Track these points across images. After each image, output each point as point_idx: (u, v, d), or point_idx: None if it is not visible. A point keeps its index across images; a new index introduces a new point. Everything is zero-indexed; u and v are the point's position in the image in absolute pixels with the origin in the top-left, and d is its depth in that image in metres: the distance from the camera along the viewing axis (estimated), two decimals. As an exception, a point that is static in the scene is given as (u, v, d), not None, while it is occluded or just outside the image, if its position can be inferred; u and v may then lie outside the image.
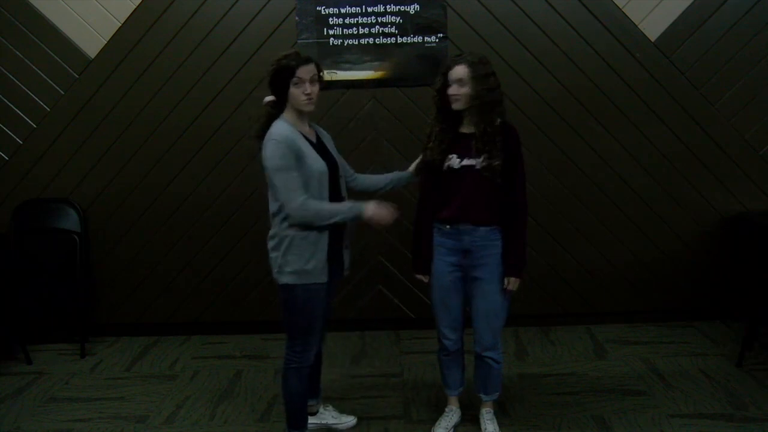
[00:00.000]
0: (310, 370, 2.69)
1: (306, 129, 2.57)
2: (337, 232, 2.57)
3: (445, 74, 2.58)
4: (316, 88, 2.49)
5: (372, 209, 2.47)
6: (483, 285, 2.66)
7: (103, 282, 3.99)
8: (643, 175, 3.86)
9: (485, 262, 2.64)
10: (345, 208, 2.51)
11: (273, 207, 2.53)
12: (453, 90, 2.55)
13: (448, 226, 2.66)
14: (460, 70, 2.53)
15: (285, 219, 2.48)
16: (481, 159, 2.56)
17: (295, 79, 2.44)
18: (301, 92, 2.45)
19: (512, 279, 2.65)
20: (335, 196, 2.57)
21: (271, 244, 2.56)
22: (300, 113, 2.52)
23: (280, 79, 2.46)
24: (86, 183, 3.90)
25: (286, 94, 2.48)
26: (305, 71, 2.44)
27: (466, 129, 2.63)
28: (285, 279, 2.52)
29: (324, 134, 2.70)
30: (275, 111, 2.54)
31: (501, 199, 2.61)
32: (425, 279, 2.78)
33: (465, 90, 2.53)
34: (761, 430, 2.81)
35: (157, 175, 3.89)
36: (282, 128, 2.47)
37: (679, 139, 3.82)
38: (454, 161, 2.60)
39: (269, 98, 2.57)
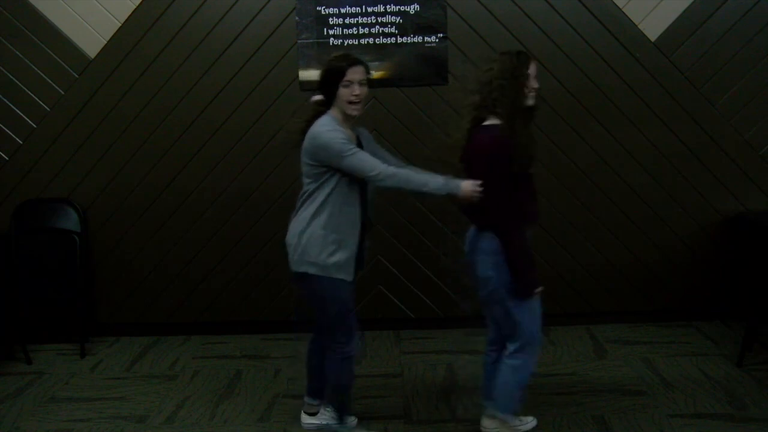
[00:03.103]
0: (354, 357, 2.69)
1: (349, 132, 2.57)
2: (360, 230, 2.59)
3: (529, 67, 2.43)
4: (364, 90, 2.52)
5: (467, 187, 2.42)
6: None
7: (103, 282, 3.99)
8: (643, 175, 3.86)
9: None
10: (439, 181, 2.46)
11: (303, 196, 2.55)
12: (536, 84, 2.46)
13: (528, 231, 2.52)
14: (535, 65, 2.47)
15: (314, 216, 2.49)
16: None
17: (345, 82, 2.47)
18: (350, 93, 2.48)
19: None
20: (361, 202, 2.58)
21: (295, 230, 2.55)
22: (345, 116, 2.54)
23: (330, 81, 2.49)
24: (86, 183, 3.90)
25: (334, 95, 2.51)
26: (355, 72, 2.48)
27: None
28: (304, 268, 2.53)
29: (366, 138, 2.70)
30: (322, 109, 2.57)
31: None
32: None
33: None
34: (761, 430, 2.81)
35: (157, 175, 3.89)
36: (330, 121, 2.50)
37: (679, 139, 3.82)
38: None
39: (317, 97, 2.59)
